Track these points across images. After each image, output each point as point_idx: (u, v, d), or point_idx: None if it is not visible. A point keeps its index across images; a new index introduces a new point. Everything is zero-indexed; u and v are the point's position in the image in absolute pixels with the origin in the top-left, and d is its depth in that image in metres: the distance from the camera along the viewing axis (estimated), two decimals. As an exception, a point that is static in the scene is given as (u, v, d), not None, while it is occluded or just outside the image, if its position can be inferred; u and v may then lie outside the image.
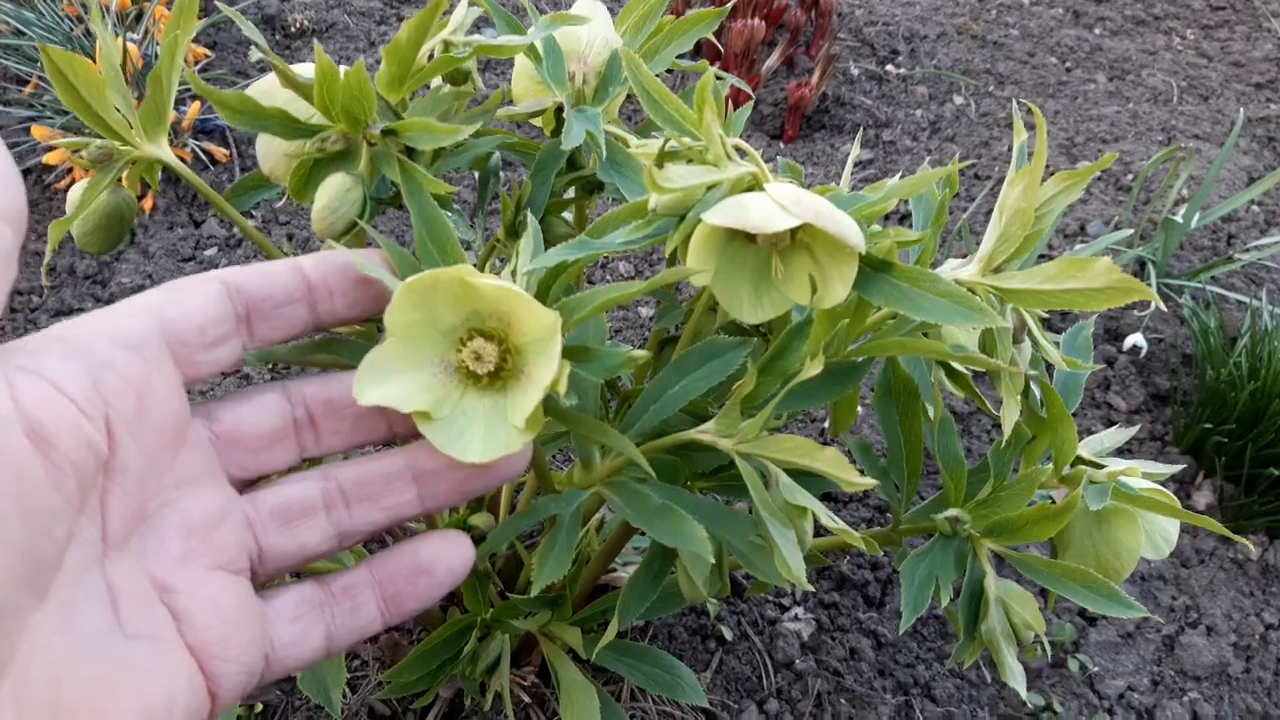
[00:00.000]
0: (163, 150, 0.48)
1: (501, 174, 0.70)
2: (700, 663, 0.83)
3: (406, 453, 0.37)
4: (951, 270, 0.49)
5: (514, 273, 0.41)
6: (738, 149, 0.46)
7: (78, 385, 0.29)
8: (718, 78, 0.68)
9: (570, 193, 0.65)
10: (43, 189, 1.32)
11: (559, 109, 0.61)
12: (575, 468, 0.52)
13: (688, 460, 0.52)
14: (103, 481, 0.30)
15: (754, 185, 0.44)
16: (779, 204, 0.38)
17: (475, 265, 0.65)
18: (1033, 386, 0.55)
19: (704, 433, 0.44)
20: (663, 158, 0.47)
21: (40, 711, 0.27)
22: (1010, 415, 0.46)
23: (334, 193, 0.42)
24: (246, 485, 0.36)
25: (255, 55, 0.41)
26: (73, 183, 1.31)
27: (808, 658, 0.84)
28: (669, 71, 0.64)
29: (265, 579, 0.36)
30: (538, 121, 0.65)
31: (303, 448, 0.37)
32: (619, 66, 0.63)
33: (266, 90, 0.49)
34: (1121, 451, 1.15)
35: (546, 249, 0.69)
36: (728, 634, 0.85)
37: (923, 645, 0.88)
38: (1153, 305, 1.21)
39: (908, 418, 0.55)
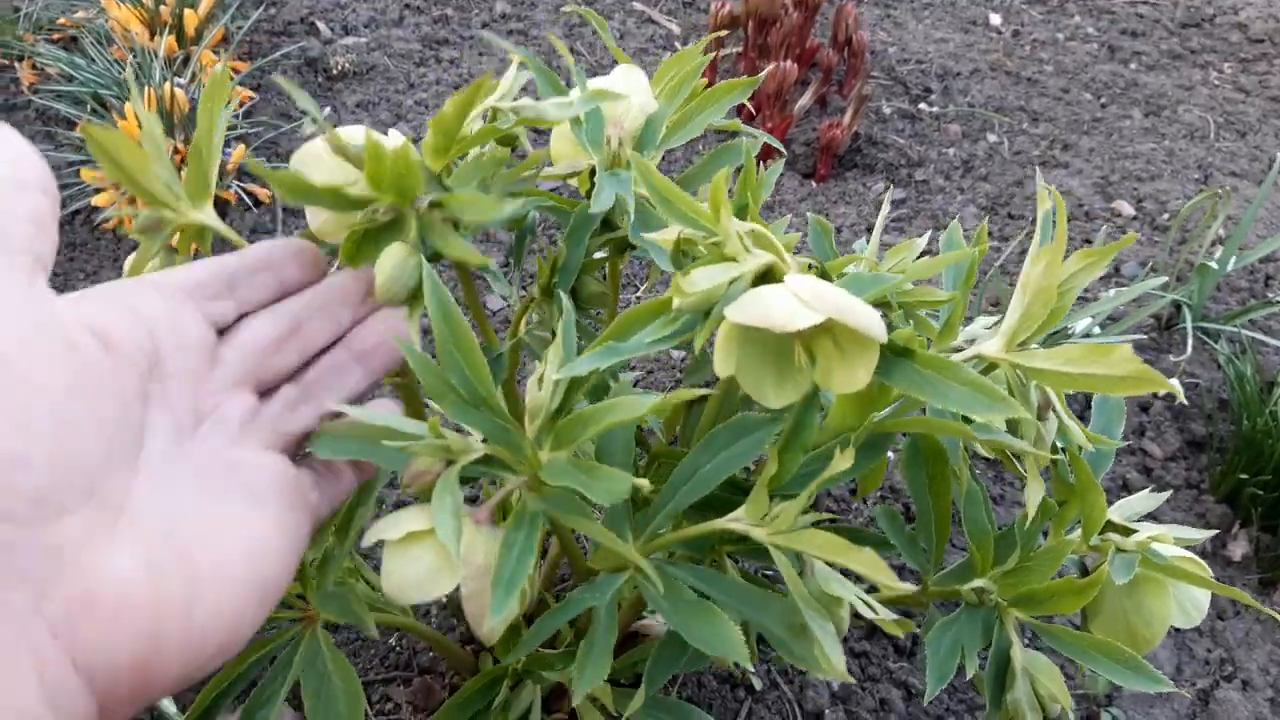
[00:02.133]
0: (208, 216, 0.50)
1: (539, 223, 0.71)
2: (729, 712, 0.83)
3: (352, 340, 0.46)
4: (975, 347, 0.50)
5: (540, 379, 0.43)
6: (754, 236, 0.46)
7: (120, 311, 0.37)
8: (749, 135, 0.70)
9: (604, 250, 0.66)
10: (91, 229, 1.35)
11: (594, 170, 0.62)
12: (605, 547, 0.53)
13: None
14: (160, 385, 0.37)
15: (774, 271, 0.45)
16: (800, 299, 0.39)
17: (511, 320, 0.66)
18: (1060, 453, 0.55)
19: (735, 520, 0.45)
20: (679, 248, 0.48)
21: (157, 540, 0.33)
22: (1035, 496, 0.47)
23: (395, 263, 0.43)
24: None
25: (309, 128, 0.43)
26: (120, 223, 1.35)
27: (838, 708, 0.84)
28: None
29: (291, 454, 0.44)
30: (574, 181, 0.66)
31: (303, 352, 0.45)
32: (654, 130, 0.65)
33: (316, 153, 0.50)
34: (1156, 498, 1.13)
35: (579, 308, 0.70)
36: (757, 683, 0.85)
37: (954, 697, 0.88)
38: (1188, 350, 1.20)
39: (936, 482, 0.56)
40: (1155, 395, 1.18)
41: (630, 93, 0.64)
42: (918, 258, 0.68)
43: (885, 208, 0.72)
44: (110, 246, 1.34)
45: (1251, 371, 1.08)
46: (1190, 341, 1.21)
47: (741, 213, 0.65)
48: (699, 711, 0.67)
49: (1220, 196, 1.30)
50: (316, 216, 0.52)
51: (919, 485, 0.56)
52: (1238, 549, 1.04)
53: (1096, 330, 1.15)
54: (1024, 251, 1.40)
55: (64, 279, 1.27)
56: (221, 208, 1.36)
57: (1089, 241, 1.44)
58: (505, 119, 0.53)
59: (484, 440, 0.44)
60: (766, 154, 1.52)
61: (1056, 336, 1.11)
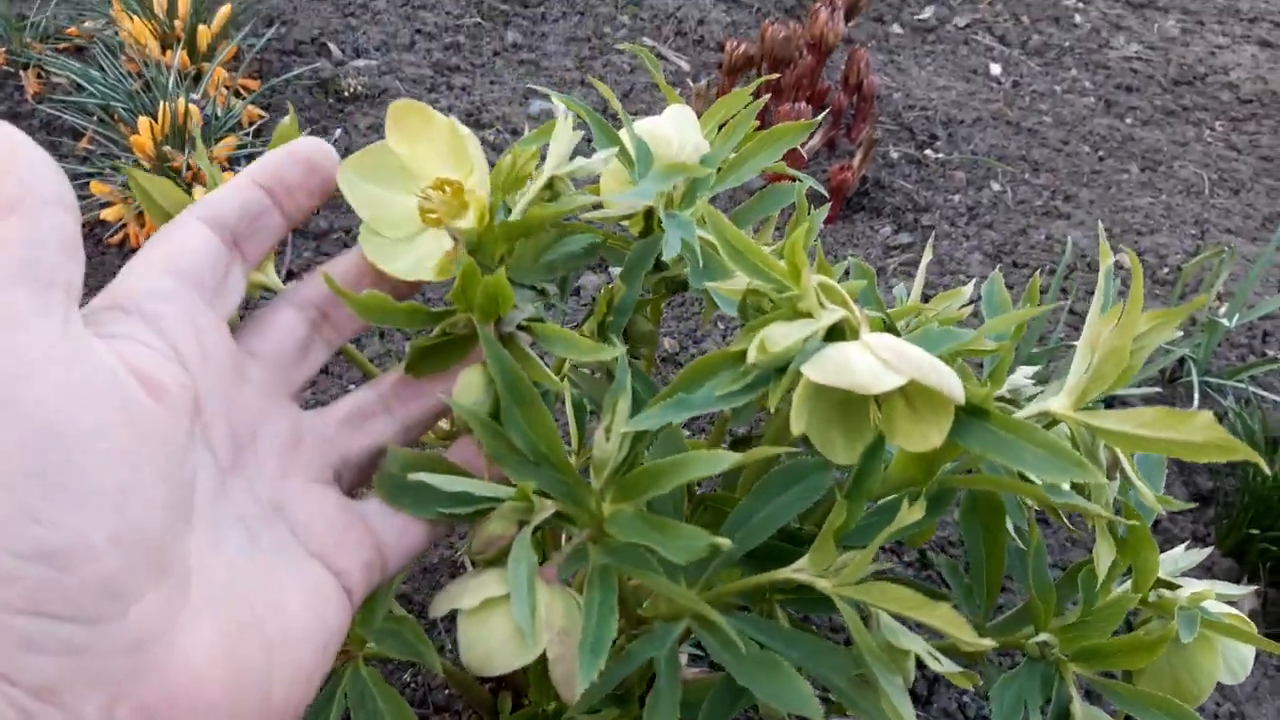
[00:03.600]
0: (266, 274, 0.48)
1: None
2: (748, 756, 0.82)
3: None
4: (1040, 403, 0.50)
5: (608, 429, 0.42)
6: (824, 289, 0.46)
7: (149, 338, 0.32)
8: (793, 178, 0.70)
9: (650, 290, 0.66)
10: (96, 243, 1.34)
11: (648, 212, 0.62)
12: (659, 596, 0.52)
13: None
14: (199, 419, 0.33)
15: (845, 325, 0.44)
16: (881, 359, 0.39)
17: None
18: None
19: (799, 571, 0.44)
20: (747, 299, 0.48)
21: (228, 609, 0.30)
22: (1106, 557, 0.47)
23: (476, 395, 0.42)
24: (302, 397, 0.40)
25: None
26: (126, 238, 1.33)
27: (856, 755, 0.84)
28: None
29: (351, 484, 0.40)
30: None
31: (330, 343, 0.41)
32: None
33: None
34: (1164, 551, 1.14)
35: (629, 347, 0.70)
36: (777, 727, 0.84)
37: (970, 745, 0.87)
38: (1195, 404, 1.22)
39: (992, 534, 0.56)
40: (1162, 447, 1.19)
41: (683, 133, 0.65)
42: (962, 306, 0.69)
43: (927, 255, 0.73)
44: (116, 261, 1.33)
45: (1259, 426, 1.09)
46: (1196, 396, 1.22)
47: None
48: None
49: (1224, 255, 1.33)
50: (383, 254, 0.45)
51: (974, 536, 0.56)
52: (1245, 604, 1.04)
53: (1106, 381, 1.16)
54: (1028, 302, 1.42)
55: (69, 292, 1.25)
56: (230, 226, 1.35)
57: (1093, 293, 1.46)
58: (566, 189, 0.52)
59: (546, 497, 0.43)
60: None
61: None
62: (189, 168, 1.32)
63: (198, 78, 1.50)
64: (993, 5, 2.32)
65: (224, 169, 1.36)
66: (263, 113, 1.53)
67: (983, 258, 1.50)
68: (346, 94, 1.60)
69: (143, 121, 1.28)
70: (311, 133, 1.53)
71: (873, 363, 0.40)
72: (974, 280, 0.69)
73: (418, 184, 0.43)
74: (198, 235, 0.36)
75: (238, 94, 1.54)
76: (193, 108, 1.34)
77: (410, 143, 0.43)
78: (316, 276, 0.41)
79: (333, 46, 1.72)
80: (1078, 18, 2.42)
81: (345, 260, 0.42)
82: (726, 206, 1.24)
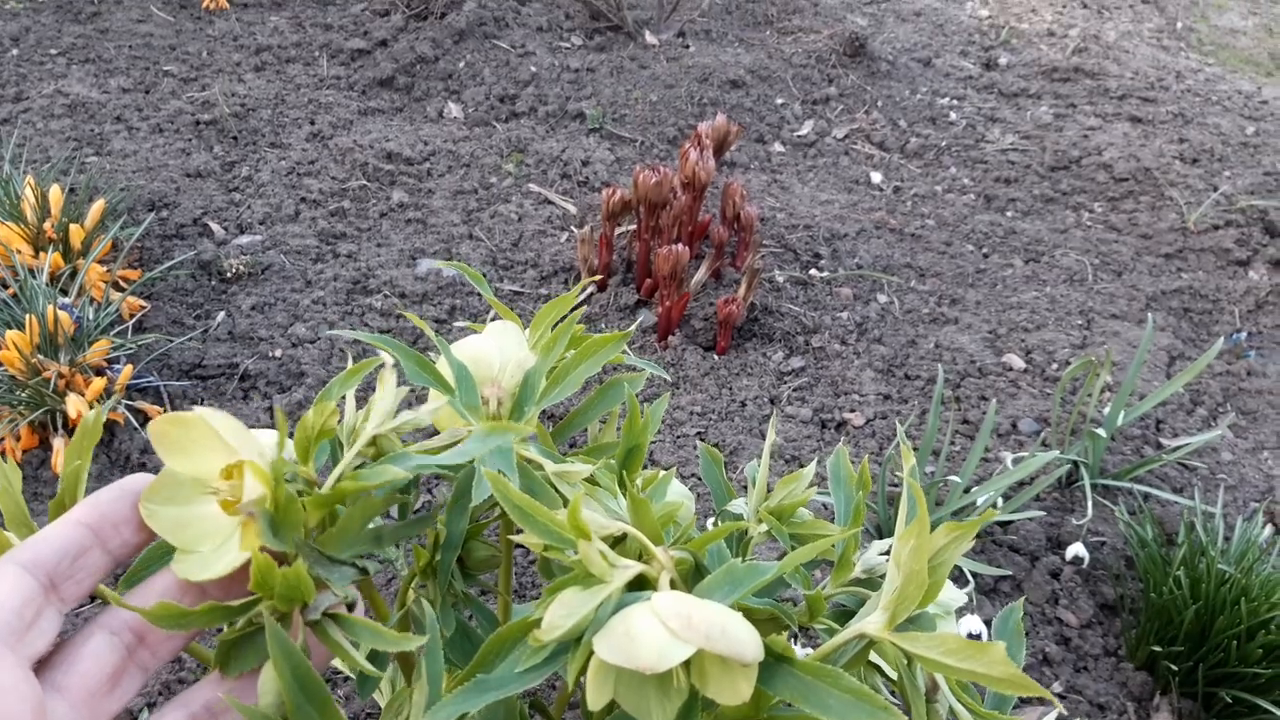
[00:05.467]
0: None
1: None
2: None
3: None
4: (858, 624, 0.49)
5: None
6: (630, 542, 0.46)
7: None
8: (630, 366, 0.70)
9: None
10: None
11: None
12: None
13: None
14: None
15: (645, 577, 0.44)
16: (669, 630, 0.38)
17: (399, 589, 0.63)
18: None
19: None
20: (546, 558, 0.47)
21: None
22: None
23: (276, 692, 0.40)
24: None
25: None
26: (3, 452, 1.29)
27: None
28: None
29: None
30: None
31: (145, 668, 0.38)
32: (532, 387, 0.64)
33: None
34: (1076, 668, 1.12)
35: (468, 575, 0.68)
36: None
37: None
38: (1089, 513, 1.23)
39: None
40: (1064, 560, 1.19)
41: (505, 352, 0.64)
42: (809, 485, 0.68)
43: (770, 436, 0.73)
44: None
45: (1152, 534, 1.10)
46: (1090, 503, 1.23)
47: (633, 454, 0.64)
48: None
49: (1100, 361, 1.36)
50: (206, 564, 0.41)
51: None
52: None
53: (1000, 501, 1.17)
54: (924, 411, 1.43)
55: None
56: (110, 428, 1.32)
57: (985, 399, 1.48)
58: (394, 446, 0.51)
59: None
60: (667, 330, 1.54)
61: (964, 512, 1.13)
62: (61, 376, 1.29)
63: (74, 274, 1.48)
64: (869, 113, 2.40)
65: (99, 373, 1.33)
66: (144, 303, 1.51)
67: (874, 374, 1.51)
68: (229, 274, 1.59)
69: (8, 337, 1.25)
70: (195, 318, 1.52)
71: (660, 636, 0.39)
72: (814, 461, 0.69)
73: (209, 485, 0.42)
74: (9, 583, 0.35)
75: (118, 286, 1.52)
76: (63, 315, 1.32)
77: (182, 453, 0.42)
78: (131, 599, 0.39)
79: (215, 225, 1.72)
80: (953, 115, 2.52)
81: (161, 580, 0.40)
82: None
